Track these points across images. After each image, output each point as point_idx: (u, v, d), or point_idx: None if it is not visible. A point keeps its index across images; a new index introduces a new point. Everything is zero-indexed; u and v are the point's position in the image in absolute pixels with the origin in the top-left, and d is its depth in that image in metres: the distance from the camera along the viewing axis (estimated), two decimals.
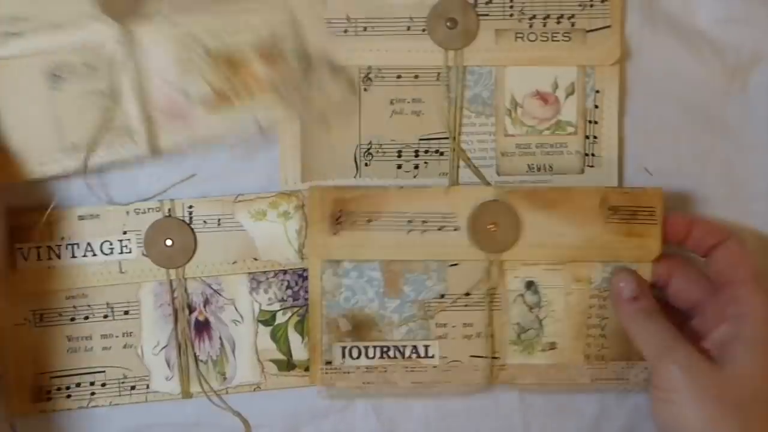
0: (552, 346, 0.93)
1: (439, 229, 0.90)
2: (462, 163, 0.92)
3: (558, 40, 0.91)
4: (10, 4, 0.87)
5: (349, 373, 0.92)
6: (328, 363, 0.92)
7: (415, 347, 0.92)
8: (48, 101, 0.88)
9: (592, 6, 0.91)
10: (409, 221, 0.90)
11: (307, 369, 0.93)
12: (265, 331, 0.93)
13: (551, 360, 0.93)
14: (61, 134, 0.88)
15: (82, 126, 0.88)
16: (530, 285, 0.93)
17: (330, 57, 0.90)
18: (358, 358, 0.92)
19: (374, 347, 0.92)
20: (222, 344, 0.93)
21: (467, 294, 0.92)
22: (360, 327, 0.92)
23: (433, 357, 0.93)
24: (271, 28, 0.89)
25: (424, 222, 0.90)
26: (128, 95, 0.89)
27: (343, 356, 0.92)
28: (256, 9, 0.89)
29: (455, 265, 0.92)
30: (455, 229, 0.90)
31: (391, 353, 0.92)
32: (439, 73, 0.91)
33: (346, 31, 0.90)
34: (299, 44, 0.90)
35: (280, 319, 0.93)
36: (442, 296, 0.92)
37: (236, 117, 0.90)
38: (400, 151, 0.92)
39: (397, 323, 0.92)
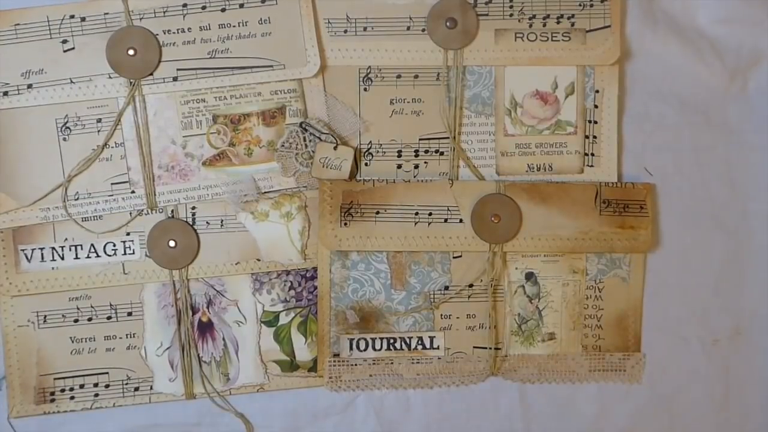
0: (551, 337, 0.94)
1: (445, 221, 0.91)
2: (462, 163, 0.93)
3: (558, 40, 0.92)
4: (26, 58, 0.88)
5: (356, 365, 0.93)
6: (336, 355, 0.93)
7: (420, 339, 0.93)
8: (57, 151, 0.90)
9: (592, 6, 0.92)
10: (416, 213, 0.91)
11: (310, 369, 0.94)
12: (268, 332, 0.93)
13: (550, 350, 0.95)
14: (66, 183, 0.90)
15: (86, 176, 0.90)
16: (530, 276, 0.94)
17: (332, 127, 0.91)
18: (365, 350, 0.93)
19: (381, 339, 0.93)
20: (225, 345, 0.93)
21: (471, 285, 0.93)
22: (367, 319, 0.93)
23: (438, 348, 0.94)
24: (275, 94, 0.91)
25: (430, 214, 0.91)
26: (132, 150, 0.90)
27: (351, 348, 0.93)
28: (261, 75, 0.90)
29: (459, 257, 0.92)
30: (460, 221, 0.91)
31: (397, 345, 0.93)
32: (439, 73, 0.92)
33: (346, 31, 0.91)
34: (301, 110, 0.91)
35: (284, 319, 0.93)
36: (447, 288, 0.93)
37: (234, 175, 0.91)
38: (400, 151, 0.92)
39: (403, 315, 0.93)
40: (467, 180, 0.93)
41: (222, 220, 0.92)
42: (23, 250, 0.90)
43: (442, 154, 0.93)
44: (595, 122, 0.93)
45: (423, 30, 0.91)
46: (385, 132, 0.92)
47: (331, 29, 0.91)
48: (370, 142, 0.92)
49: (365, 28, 0.91)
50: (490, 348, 0.94)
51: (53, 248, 0.91)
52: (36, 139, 0.89)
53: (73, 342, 0.92)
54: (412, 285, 0.93)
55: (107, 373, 0.93)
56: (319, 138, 0.90)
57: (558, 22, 0.91)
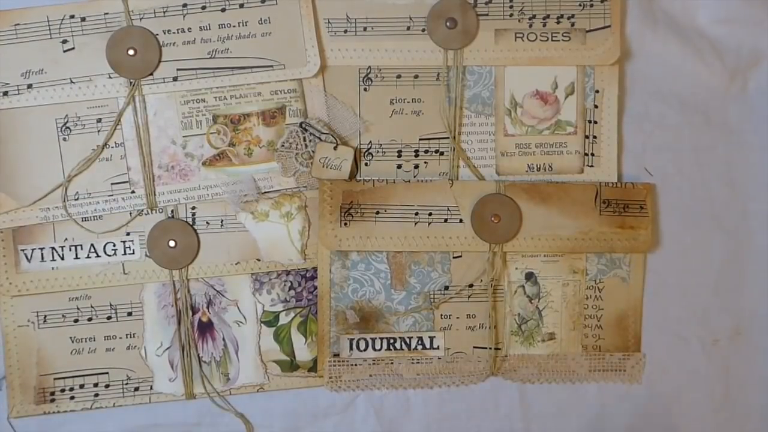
0: (551, 337, 0.94)
1: (445, 221, 0.91)
2: (462, 163, 0.93)
3: (558, 40, 0.92)
4: (26, 58, 0.88)
5: (356, 365, 0.93)
6: (336, 355, 0.93)
7: (420, 339, 0.93)
8: (57, 151, 0.90)
9: (592, 6, 0.92)
10: (416, 213, 0.91)
11: (310, 369, 0.94)
12: (268, 332, 0.93)
13: (550, 350, 0.95)
14: (66, 183, 0.90)
15: (86, 176, 0.90)
16: (530, 276, 0.94)
17: (331, 127, 0.91)
18: (365, 350, 0.93)
19: (381, 339, 0.93)
20: (225, 345, 0.93)
21: (471, 285, 0.93)
22: (367, 319, 0.93)
23: (438, 348, 0.94)
24: (275, 94, 0.91)
25: (430, 214, 0.91)
26: (132, 150, 0.90)
27: (351, 348, 0.93)
28: (261, 75, 0.90)
29: (459, 257, 0.92)
30: (460, 221, 0.91)
31: (397, 345, 0.93)
32: (439, 73, 0.92)
33: (346, 31, 0.91)
34: (301, 110, 0.91)
35: (283, 320, 0.93)
36: (447, 288, 0.93)
37: (234, 175, 0.91)
38: (400, 151, 0.92)
39: (403, 315, 0.93)
40: (467, 180, 0.93)
41: (222, 220, 0.92)
42: (23, 250, 0.90)
43: (442, 154, 0.93)
44: (595, 122, 0.93)
45: (423, 30, 0.91)
46: (385, 132, 0.92)
47: (331, 29, 0.91)
48: (370, 142, 0.92)
49: (365, 28, 0.91)
50: (490, 348, 0.94)
51: (53, 248, 0.91)
52: (36, 139, 0.89)
53: (73, 342, 0.92)
54: (412, 285, 0.93)
55: (107, 373, 0.93)
56: (319, 138, 0.90)
57: (558, 22, 0.91)
